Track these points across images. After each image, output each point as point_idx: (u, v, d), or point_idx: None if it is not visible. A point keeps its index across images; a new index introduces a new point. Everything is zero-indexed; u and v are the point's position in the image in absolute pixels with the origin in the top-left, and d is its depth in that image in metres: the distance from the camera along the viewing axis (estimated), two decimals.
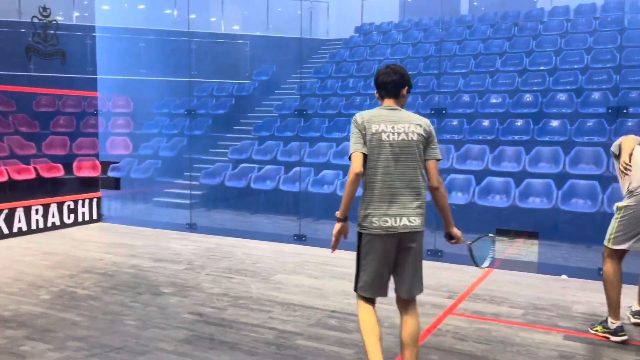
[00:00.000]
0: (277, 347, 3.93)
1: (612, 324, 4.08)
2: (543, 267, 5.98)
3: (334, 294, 5.18)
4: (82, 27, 12.15)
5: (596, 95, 9.22)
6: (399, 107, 3.16)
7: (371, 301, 3.15)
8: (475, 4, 16.30)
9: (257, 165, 10.68)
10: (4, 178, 10.13)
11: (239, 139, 12.02)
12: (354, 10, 16.38)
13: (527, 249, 5.97)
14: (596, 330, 4.18)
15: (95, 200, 8.65)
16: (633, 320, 4.43)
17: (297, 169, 10.13)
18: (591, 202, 7.48)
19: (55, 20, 7.69)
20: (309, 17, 16.07)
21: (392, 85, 3.14)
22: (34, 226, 7.79)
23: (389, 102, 3.17)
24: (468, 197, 8.08)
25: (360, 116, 3.10)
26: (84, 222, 8.44)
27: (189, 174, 11.02)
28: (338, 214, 3.06)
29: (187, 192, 10.51)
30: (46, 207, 8.00)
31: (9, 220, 7.51)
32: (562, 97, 9.45)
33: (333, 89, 12.90)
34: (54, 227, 8.03)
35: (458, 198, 8.13)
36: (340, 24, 16.59)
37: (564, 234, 7.40)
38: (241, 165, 10.79)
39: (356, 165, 2.97)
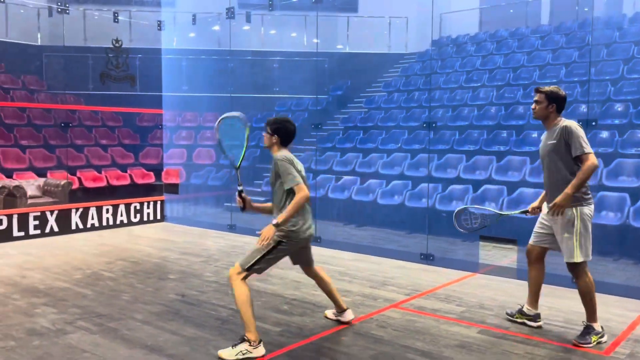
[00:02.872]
0: (222, 322, 4.74)
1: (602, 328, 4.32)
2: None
3: (305, 286, 5.87)
4: (179, 50, 13.91)
5: None
6: None
7: None
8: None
9: (311, 174, 11.56)
10: (104, 183, 11.95)
11: (303, 150, 12.96)
12: (434, 23, 16.67)
13: (503, 254, 6.23)
14: (592, 341, 4.21)
15: (159, 203, 10.03)
16: (517, 318, 4.70)
17: (346, 177, 10.89)
18: None
19: (126, 52, 9.13)
20: (387, 32, 16.69)
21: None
22: (110, 222, 9.31)
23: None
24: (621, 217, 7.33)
25: (289, 155, 4.16)
26: (148, 221, 9.84)
27: (260, 182, 12.22)
28: (280, 221, 4.02)
29: (253, 198, 11.67)
30: (115, 207, 9.48)
31: (99, 215, 9.07)
32: None
33: (398, 102, 13.42)
34: (122, 224, 9.48)
35: (609, 218, 7.40)
36: (422, 38, 16.96)
37: None
38: None
39: (307, 191, 4.08)
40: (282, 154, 4.13)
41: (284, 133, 4.21)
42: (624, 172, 8.21)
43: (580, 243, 4.16)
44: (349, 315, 4.70)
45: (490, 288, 5.89)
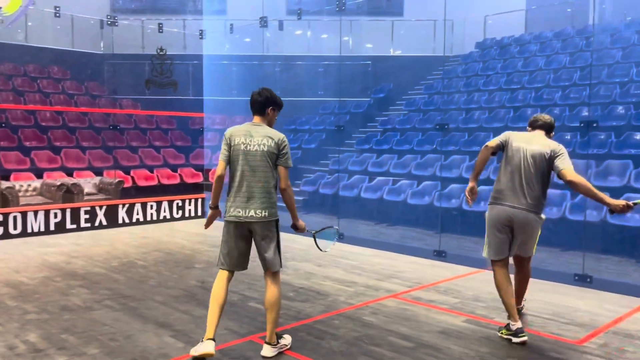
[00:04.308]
0: (230, 306, 5.23)
1: (513, 325, 4.35)
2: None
3: (316, 277, 6.29)
4: (228, 56, 14.67)
5: None
6: (262, 124, 4.10)
7: (229, 273, 4.06)
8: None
9: (346, 174, 11.97)
10: (155, 182, 12.79)
11: (343, 152, 13.38)
12: (479, 25, 16.71)
13: None
14: (501, 333, 4.45)
15: (200, 200, 10.72)
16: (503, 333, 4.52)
17: (379, 178, 11.23)
18: None
19: (170, 60, 9.86)
20: (432, 35, 16.82)
21: (258, 105, 4.06)
22: (154, 218, 10.08)
23: (255, 119, 4.16)
24: None
25: (228, 131, 4.06)
26: (190, 217, 10.54)
27: (299, 182, 12.74)
28: (210, 203, 4.19)
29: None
30: (159, 203, 10.23)
31: (143, 211, 9.85)
32: None
33: (437, 104, 13.61)
34: (165, 220, 10.22)
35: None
36: (467, 40, 17.01)
37: None
38: (335, 175, 12.13)
39: (218, 170, 3.98)
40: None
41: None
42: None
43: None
44: (267, 352, 4.07)
45: (491, 284, 6.09)
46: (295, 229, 4.24)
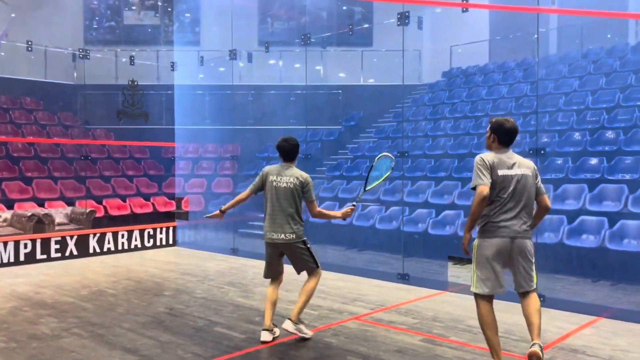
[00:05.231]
0: (196, 331, 5.38)
1: None
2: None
3: (282, 302, 6.45)
4: (196, 86, 14.88)
5: None
6: (291, 166, 5.12)
7: (273, 280, 5.21)
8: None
9: (318, 201, 12.19)
10: (128, 211, 12.85)
11: (314, 178, 13.63)
12: (446, 55, 17.29)
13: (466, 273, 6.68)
14: None
15: (171, 228, 10.84)
16: None
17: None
18: None
19: (141, 90, 10.08)
20: (400, 64, 17.25)
21: (288, 152, 5.10)
22: (126, 247, 10.16)
23: (285, 162, 5.13)
24: (599, 239, 7.76)
25: (266, 168, 5.11)
26: (161, 246, 10.65)
27: None
28: (223, 207, 5.18)
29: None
30: (130, 232, 10.33)
31: (114, 240, 9.93)
32: None
33: (405, 131, 13.99)
34: (136, 248, 10.31)
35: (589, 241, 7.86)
36: (435, 69, 17.56)
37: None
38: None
39: (243, 194, 5.18)
40: None
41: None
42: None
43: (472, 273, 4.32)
44: (288, 326, 5.02)
45: (451, 304, 6.36)
46: (344, 218, 5.22)
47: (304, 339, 5.04)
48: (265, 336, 4.97)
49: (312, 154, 15.03)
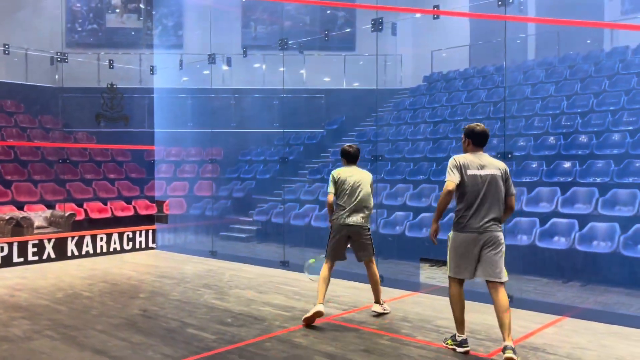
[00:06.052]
0: (168, 332, 5.44)
1: (459, 337, 4.83)
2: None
3: (256, 303, 6.54)
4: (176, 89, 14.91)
5: None
6: (357, 167, 6.09)
7: (330, 263, 5.99)
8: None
9: (298, 204, 12.29)
10: (109, 214, 12.84)
11: (294, 182, 13.73)
12: (427, 60, 17.47)
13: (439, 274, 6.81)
14: (447, 343, 4.89)
15: (150, 231, 10.87)
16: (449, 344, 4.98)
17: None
18: None
19: (120, 94, 10.11)
20: (383, 69, 17.46)
21: (353, 156, 6.09)
22: (104, 250, 10.17)
23: (351, 164, 6.08)
24: (569, 241, 7.95)
25: (336, 172, 5.99)
26: (140, 249, 10.67)
27: (252, 211, 13.01)
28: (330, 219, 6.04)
29: (246, 227, 12.59)
30: (109, 235, 10.34)
31: (93, 243, 9.94)
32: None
33: (386, 135, 14.13)
34: (115, 252, 10.33)
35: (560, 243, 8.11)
36: (416, 74, 17.73)
37: None
38: (287, 204, 12.45)
39: (329, 198, 5.99)
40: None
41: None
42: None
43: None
44: (377, 308, 6.10)
45: (421, 305, 6.48)
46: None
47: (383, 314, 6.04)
48: (318, 307, 5.59)
49: (294, 157, 15.17)
